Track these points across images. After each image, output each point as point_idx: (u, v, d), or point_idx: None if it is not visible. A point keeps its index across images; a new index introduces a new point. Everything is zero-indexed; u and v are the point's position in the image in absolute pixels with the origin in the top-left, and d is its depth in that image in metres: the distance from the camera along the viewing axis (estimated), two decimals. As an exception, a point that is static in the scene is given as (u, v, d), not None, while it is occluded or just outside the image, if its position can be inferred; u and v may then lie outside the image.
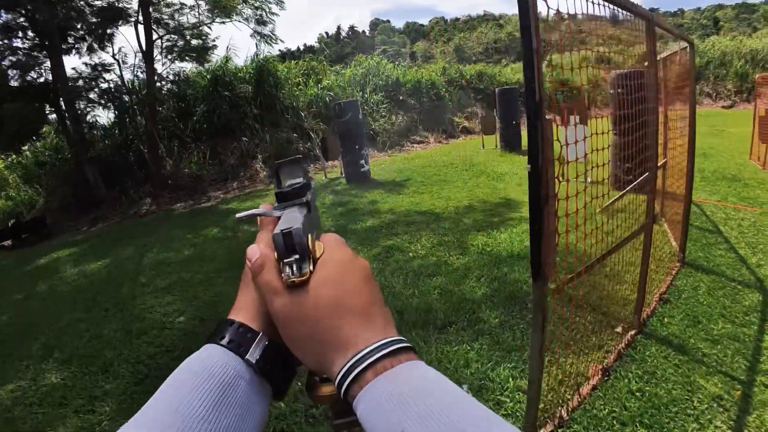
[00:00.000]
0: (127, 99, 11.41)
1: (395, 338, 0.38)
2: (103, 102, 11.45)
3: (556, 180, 1.68)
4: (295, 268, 0.40)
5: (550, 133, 1.58)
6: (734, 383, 2.34)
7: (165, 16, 11.39)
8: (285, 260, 0.41)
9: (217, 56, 12.49)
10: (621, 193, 2.83)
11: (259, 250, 0.43)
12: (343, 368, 0.36)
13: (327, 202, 7.38)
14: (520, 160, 9.50)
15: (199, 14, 11.66)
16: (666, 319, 2.97)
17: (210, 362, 0.39)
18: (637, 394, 2.31)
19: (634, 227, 2.70)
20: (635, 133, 2.60)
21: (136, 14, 10.59)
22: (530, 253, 1.67)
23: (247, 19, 12.02)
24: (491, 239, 4.75)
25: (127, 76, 11.78)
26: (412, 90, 15.23)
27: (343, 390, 0.36)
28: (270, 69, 12.36)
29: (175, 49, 11.80)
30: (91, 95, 11.37)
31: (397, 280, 3.98)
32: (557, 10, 1.63)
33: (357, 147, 8.60)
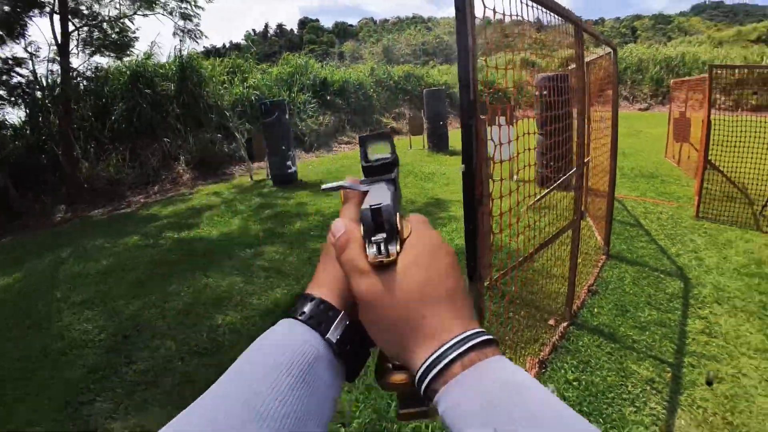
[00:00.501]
0: (39, 95, 10.44)
1: (480, 330, 0.35)
2: (13, 99, 10.40)
3: (490, 180, 1.67)
4: (382, 248, 0.37)
5: (484, 132, 1.58)
6: (664, 366, 2.49)
7: (83, 7, 10.54)
8: (372, 238, 0.38)
9: (138, 51, 11.72)
10: (548, 190, 2.92)
11: (344, 226, 0.40)
12: (426, 361, 0.34)
13: (253, 204, 7.14)
14: (448, 160, 9.73)
15: (120, 5, 10.89)
16: (596, 310, 3.11)
17: (291, 338, 0.37)
18: (574, 383, 2.39)
19: (563, 223, 2.79)
20: (562, 133, 2.69)
21: (51, 3, 9.71)
22: (465, 253, 1.66)
23: (171, 13, 11.36)
24: (423, 239, 4.74)
25: (40, 70, 10.80)
26: (340, 90, 15.10)
27: (424, 383, 0.33)
28: (194, 66, 11.75)
29: (93, 42, 10.95)
30: (0, 91, 10.32)
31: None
32: (493, 9, 1.62)
33: (284, 148, 8.40)
